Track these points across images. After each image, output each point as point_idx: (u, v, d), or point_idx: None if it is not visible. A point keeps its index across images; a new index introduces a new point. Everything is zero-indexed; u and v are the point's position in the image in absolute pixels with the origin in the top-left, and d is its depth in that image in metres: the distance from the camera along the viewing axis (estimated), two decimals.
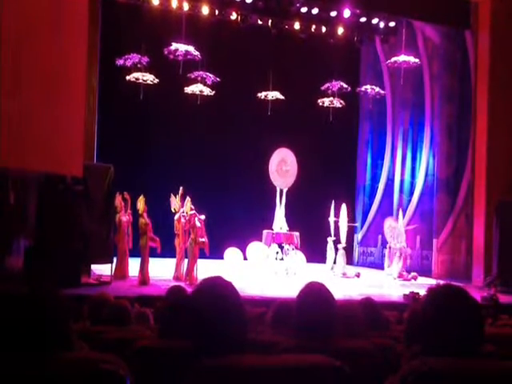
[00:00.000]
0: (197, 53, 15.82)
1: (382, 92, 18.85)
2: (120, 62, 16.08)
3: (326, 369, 2.36)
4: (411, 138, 19.60)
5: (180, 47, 15.55)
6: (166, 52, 15.78)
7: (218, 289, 2.49)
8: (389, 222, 17.80)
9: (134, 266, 13.60)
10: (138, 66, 16.30)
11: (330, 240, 17.63)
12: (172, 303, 3.84)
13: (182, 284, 10.67)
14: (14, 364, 1.98)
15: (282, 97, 18.49)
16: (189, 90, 17.32)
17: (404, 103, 19.90)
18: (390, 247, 17.33)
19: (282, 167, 17.86)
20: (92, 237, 12.71)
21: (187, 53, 15.66)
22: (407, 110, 19.79)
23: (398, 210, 18.55)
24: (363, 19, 17.95)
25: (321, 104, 18.86)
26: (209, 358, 2.24)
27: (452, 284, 2.58)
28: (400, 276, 16.42)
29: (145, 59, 16.13)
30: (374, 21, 18.11)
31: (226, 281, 2.55)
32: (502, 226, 15.14)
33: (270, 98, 18.55)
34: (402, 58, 16.95)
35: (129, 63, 16.11)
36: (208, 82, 17.13)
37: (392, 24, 18.34)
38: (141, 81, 16.48)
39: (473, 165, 16.78)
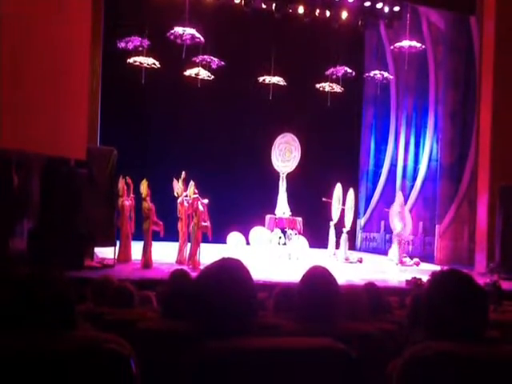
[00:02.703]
0: (200, 36, 15.74)
1: (390, 77, 18.78)
2: (121, 44, 16.01)
3: (331, 351, 2.36)
4: (415, 124, 19.55)
5: (186, 30, 15.47)
6: (171, 36, 15.68)
7: (226, 270, 2.48)
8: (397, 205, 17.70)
9: (137, 249, 13.64)
10: (140, 49, 16.24)
11: (332, 224, 17.64)
12: (175, 286, 3.85)
13: (184, 267, 10.69)
14: (18, 342, 1.98)
15: (283, 82, 18.45)
16: (187, 73, 17.27)
17: (408, 88, 19.83)
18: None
19: (286, 153, 17.87)
20: (95, 220, 12.72)
21: (193, 36, 15.59)
22: (411, 95, 19.72)
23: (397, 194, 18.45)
24: (367, 3, 17.84)
25: (321, 89, 18.80)
26: (212, 340, 2.24)
27: (456, 269, 2.58)
28: (402, 262, 16.43)
29: (146, 42, 16.06)
30: (379, 5, 17.99)
31: (236, 261, 2.55)
32: (505, 211, 15.11)
33: (271, 82, 18.49)
34: (407, 42, 16.87)
35: (130, 46, 16.04)
36: (213, 66, 17.09)
37: (396, 9, 18.21)
38: (145, 64, 16.44)
39: (477, 151, 16.72)
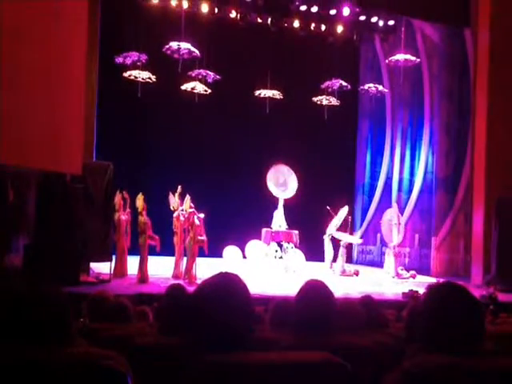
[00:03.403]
0: (196, 50, 15.79)
1: (385, 90, 18.87)
2: (119, 60, 16.08)
3: (328, 365, 2.36)
4: (410, 136, 19.60)
5: (181, 45, 15.53)
6: (168, 51, 15.75)
7: (223, 285, 2.49)
8: (389, 215, 17.70)
9: (133, 264, 13.60)
10: (138, 63, 16.29)
11: (327, 237, 17.62)
12: (172, 301, 3.84)
13: (181, 282, 10.67)
14: (15, 358, 1.98)
15: (280, 96, 18.52)
16: (184, 87, 17.33)
17: (403, 101, 19.89)
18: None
19: (279, 181, 17.95)
20: (91, 235, 12.69)
21: (190, 51, 15.66)
22: (406, 108, 19.78)
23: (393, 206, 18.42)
24: (362, 17, 17.98)
25: (319, 102, 18.88)
26: (210, 354, 2.24)
27: (452, 281, 2.58)
28: (398, 274, 16.42)
29: (144, 57, 16.13)
30: (374, 19, 18.14)
31: (234, 276, 2.55)
32: (501, 223, 15.12)
33: (268, 95, 18.55)
34: (402, 56, 16.95)
35: (128, 61, 16.10)
36: (209, 80, 17.14)
37: (391, 22, 18.35)
38: (139, 79, 16.48)
39: (472, 163, 16.76)
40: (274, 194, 17.92)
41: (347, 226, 17.49)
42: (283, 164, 18.06)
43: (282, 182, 18.03)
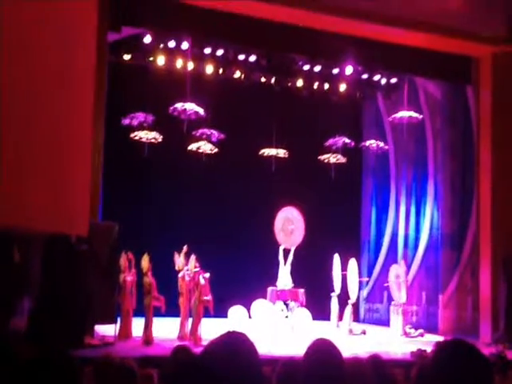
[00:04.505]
0: (201, 110, 15.96)
1: (386, 147, 19.00)
2: (126, 121, 16.29)
3: None
4: (415, 193, 19.62)
5: (188, 106, 15.73)
6: (175, 113, 15.94)
7: (231, 344, 2.46)
8: (395, 271, 17.60)
9: (137, 325, 13.48)
10: (144, 124, 16.49)
11: (334, 295, 17.49)
12: (178, 363, 3.80)
13: (186, 343, 10.56)
14: None
15: (285, 154, 18.64)
16: (190, 147, 17.45)
17: (407, 158, 19.97)
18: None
19: (288, 226, 17.89)
20: (96, 297, 12.61)
21: (197, 112, 15.84)
22: (410, 164, 19.85)
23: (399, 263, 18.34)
24: (365, 76, 18.22)
25: (326, 161, 18.96)
26: None
27: (460, 339, 2.55)
28: (406, 333, 16.23)
29: (150, 117, 16.33)
30: (376, 77, 18.40)
31: (242, 335, 2.52)
32: (508, 280, 15.02)
33: (273, 154, 18.68)
34: (404, 113, 17.12)
35: (135, 122, 16.31)
36: (213, 139, 17.27)
37: (394, 80, 18.59)
38: (145, 139, 16.64)
39: (478, 219, 16.73)
40: (279, 240, 17.84)
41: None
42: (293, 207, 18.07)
43: (290, 230, 17.96)
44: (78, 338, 11.23)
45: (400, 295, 17.02)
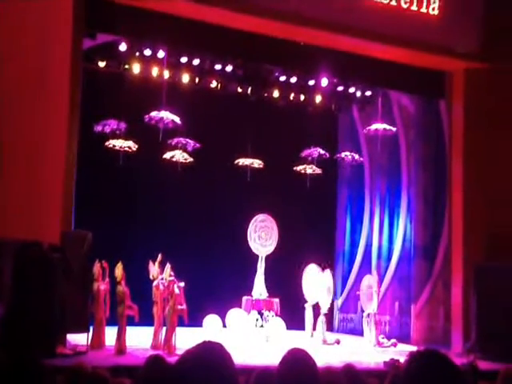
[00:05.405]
0: (177, 119, 15.90)
1: (361, 159, 19.14)
2: (98, 128, 16.13)
3: None
4: (388, 204, 19.75)
5: (164, 115, 15.66)
6: (153, 121, 15.85)
7: (207, 355, 2.45)
8: (367, 281, 17.67)
9: (110, 334, 13.37)
10: (117, 132, 16.35)
11: (308, 306, 17.52)
12: (151, 372, 3.79)
13: (160, 353, 10.51)
14: None
15: (260, 165, 18.66)
16: (165, 156, 17.36)
17: (381, 170, 20.10)
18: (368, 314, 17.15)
19: (261, 233, 17.95)
20: (68, 305, 12.49)
21: (174, 120, 15.78)
22: (384, 176, 19.98)
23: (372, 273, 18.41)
24: (340, 88, 18.36)
25: (303, 171, 19.01)
26: None
27: (433, 349, 2.58)
28: (379, 343, 16.31)
29: (123, 125, 16.20)
30: (351, 90, 18.55)
31: (218, 345, 2.51)
32: (479, 291, 15.17)
33: (248, 164, 18.68)
34: (379, 125, 17.28)
35: (107, 129, 16.16)
36: (189, 149, 17.20)
37: (368, 93, 18.75)
38: (117, 147, 16.50)
39: (450, 231, 16.92)
40: (253, 248, 17.93)
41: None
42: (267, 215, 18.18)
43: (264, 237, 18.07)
44: (49, 347, 11.13)
45: (371, 305, 17.07)
